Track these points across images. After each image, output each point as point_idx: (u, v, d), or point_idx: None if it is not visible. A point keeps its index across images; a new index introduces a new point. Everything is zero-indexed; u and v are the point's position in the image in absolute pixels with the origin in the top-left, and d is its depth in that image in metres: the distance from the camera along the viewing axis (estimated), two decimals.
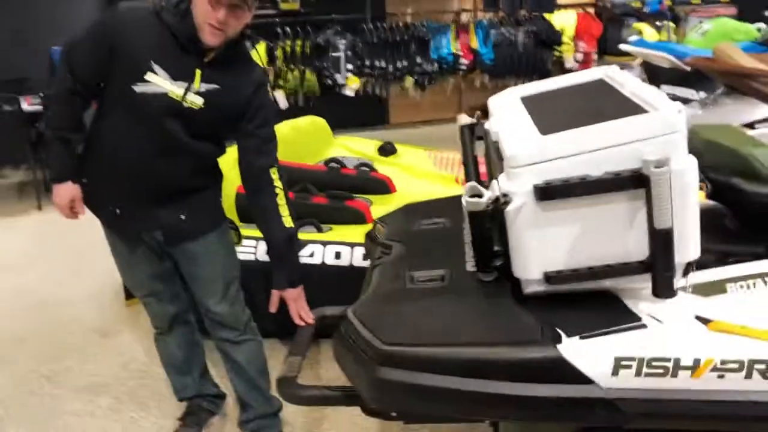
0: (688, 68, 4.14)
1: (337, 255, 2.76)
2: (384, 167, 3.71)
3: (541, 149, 1.36)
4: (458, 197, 2.20)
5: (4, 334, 3.14)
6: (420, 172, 3.76)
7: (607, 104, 1.53)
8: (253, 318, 2.25)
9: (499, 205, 1.37)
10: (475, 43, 6.71)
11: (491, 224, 1.44)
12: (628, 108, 1.42)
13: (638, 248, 1.36)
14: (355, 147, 4.08)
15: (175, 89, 1.83)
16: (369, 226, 3.00)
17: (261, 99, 1.94)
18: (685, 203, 1.31)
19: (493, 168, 1.72)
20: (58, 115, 1.95)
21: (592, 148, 1.33)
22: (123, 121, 1.88)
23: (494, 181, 1.40)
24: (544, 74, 7.02)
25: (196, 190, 2.00)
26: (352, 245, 2.78)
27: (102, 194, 1.99)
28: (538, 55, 6.92)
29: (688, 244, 1.34)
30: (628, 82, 1.61)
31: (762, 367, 1.25)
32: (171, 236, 2.01)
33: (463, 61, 6.68)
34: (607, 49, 7.19)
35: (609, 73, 1.80)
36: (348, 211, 3.09)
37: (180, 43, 1.82)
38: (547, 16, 6.96)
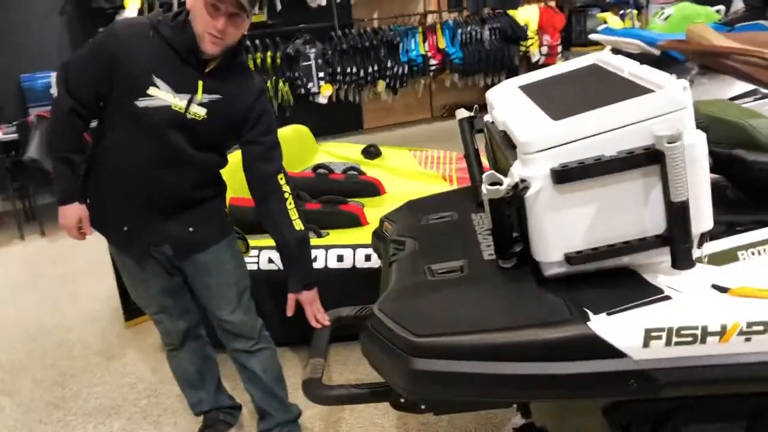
0: (658, 52, 4.24)
1: (340, 258, 2.78)
2: (371, 170, 3.75)
3: (555, 134, 1.39)
4: (459, 191, 2.27)
5: (4, 364, 3.10)
6: (407, 172, 3.81)
7: (610, 87, 1.57)
8: None
9: (518, 191, 1.40)
10: (442, 44, 6.78)
11: (510, 211, 1.47)
12: (634, 89, 1.46)
13: (655, 223, 1.40)
14: (340, 152, 4.11)
15: (177, 101, 1.84)
16: (364, 229, 3.04)
17: (262, 106, 1.96)
18: (697, 176, 1.36)
19: (499, 157, 1.76)
20: (58, 137, 1.96)
21: (605, 129, 1.37)
22: (126, 137, 1.89)
23: (512, 168, 1.43)
24: (512, 70, 7.13)
25: (202, 201, 2.01)
26: (353, 247, 2.80)
27: (108, 212, 1.99)
28: (505, 51, 7.01)
29: (702, 216, 1.39)
30: (626, 65, 1.66)
31: None
32: (180, 249, 2.01)
33: (433, 61, 6.75)
34: (572, 40, 7.33)
35: (602, 58, 1.85)
36: (343, 215, 3.11)
37: (180, 55, 1.83)
38: (510, 12, 7.07)
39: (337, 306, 2.71)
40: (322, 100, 6.40)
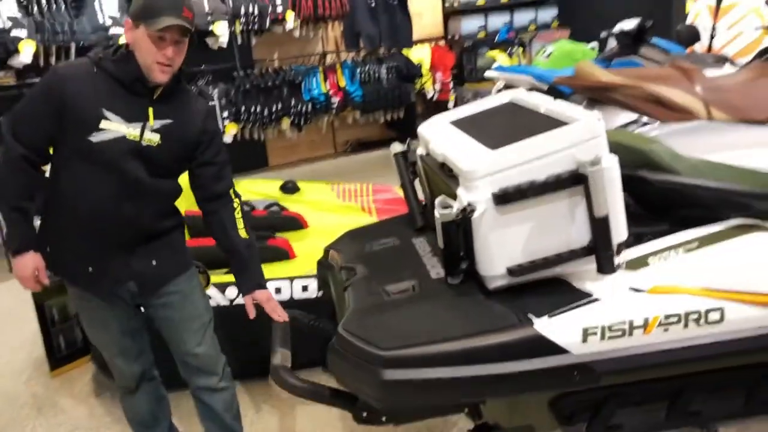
0: (545, 87, 4.64)
1: (278, 290, 2.87)
2: (292, 205, 3.85)
3: (493, 162, 1.59)
4: (394, 219, 2.43)
5: None
6: (327, 205, 3.93)
7: (531, 121, 1.79)
8: None
9: (466, 214, 1.59)
10: (343, 82, 7.01)
11: (457, 232, 1.65)
12: (553, 122, 1.69)
13: (581, 236, 1.62)
14: (258, 189, 4.18)
15: (131, 131, 1.90)
16: (292, 262, 3.15)
17: (213, 127, 2.07)
18: (614, 194, 1.59)
19: (438, 185, 1.95)
20: (9, 186, 1.95)
21: (536, 156, 1.58)
22: (83, 175, 1.91)
23: (458, 194, 1.62)
24: (410, 106, 7.46)
25: (163, 233, 2.06)
26: (290, 279, 2.90)
27: (71, 254, 1.99)
28: (402, 89, 7.32)
29: (619, 227, 1.62)
30: (541, 101, 1.90)
31: (695, 317, 1.55)
32: (145, 284, 2.05)
33: (334, 99, 6.95)
34: (464, 77, 7.76)
35: (517, 95, 2.09)
36: (271, 249, 3.19)
37: (126, 86, 1.90)
38: (404, 51, 7.41)
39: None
40: (227, 139, 6.43)
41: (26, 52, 5.38)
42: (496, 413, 1.81)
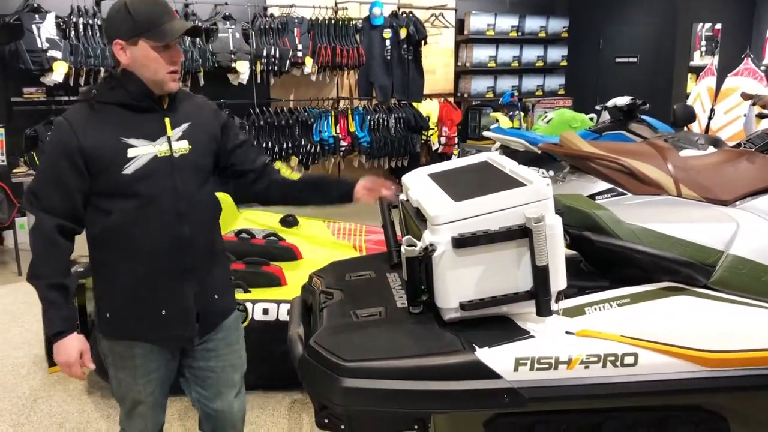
0: (539, 151, 4.97)
1: (265, 311, 3.14)
2: (289, 237, 4.13)
3: (455, 212, 1.88)
4: (375, 255, 2.72)
5: None
6: (321, 241, 4.22)
7: (495, 179, 2.08)
8: None
9: (428, 252, 1.87)
10: (353, 128, 7.38)
11: (420, 268, 1.93)
12: (512, 182, 1.98)
13: (525, 281, 1.89)
14: (259, 219, 4.48)
15: (159, 148, 1.86)
16: (283, 288, 3.41)
17: (223, 115, 2.11)
18: (555, 248, 1.87)
19: (412, 227, 2.23)
20: (46, 263, 1.83)
21: (491, 210, 1.86)
22: (132, 210, 1.84)
23: (423, 235, 1.90)
24: (414, 155, 7.80)
25: (218, 259, 2.07)
26: (277, 302, 3.17)
27: (139, 307, 1.91)
28: (408, 139, 7.68)
29: (558, 277, 1.89)
30: (508, 164, 2.19)
31: (612, 358, 1.81)
32: (206, 322, 2.01)
33: (343, 143, 7.31)
34: (468, 134, 8.12)
35: (491, 156, 2.39)
36: (265, 275, 3.47)
37: (134, 108, 1.85)
38: (415, 104, 7.79)
39: (263, 354, 3.07)
40: None
41: (59, 72, 5.77)
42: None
